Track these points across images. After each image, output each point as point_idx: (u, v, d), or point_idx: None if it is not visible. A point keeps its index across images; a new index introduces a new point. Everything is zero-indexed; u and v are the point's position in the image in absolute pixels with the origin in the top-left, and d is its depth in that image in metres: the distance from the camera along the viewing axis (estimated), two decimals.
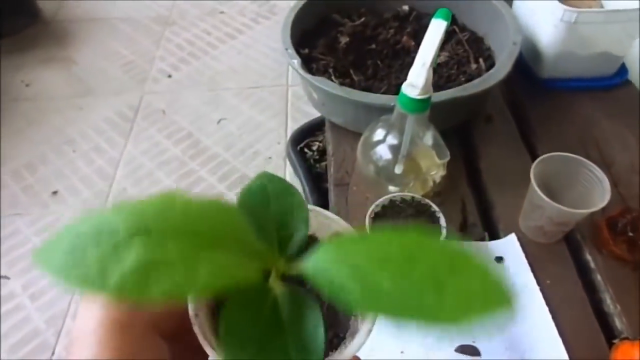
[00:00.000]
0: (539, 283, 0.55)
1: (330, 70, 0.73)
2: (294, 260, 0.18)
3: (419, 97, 0.52)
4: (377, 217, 0.53)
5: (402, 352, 0.51)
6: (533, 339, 0.51)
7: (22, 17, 2.08)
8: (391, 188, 0.62)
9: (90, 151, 1.63)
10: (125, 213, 0.15)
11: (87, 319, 0.20)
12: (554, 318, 0.52)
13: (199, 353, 0.23)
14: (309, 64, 0.74)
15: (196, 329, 0.20)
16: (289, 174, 1.50)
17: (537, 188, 0.53)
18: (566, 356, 0.49)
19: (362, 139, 0.63)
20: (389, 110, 0.61)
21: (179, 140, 1.66)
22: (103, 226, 0.15)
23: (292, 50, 0.71)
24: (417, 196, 0.54)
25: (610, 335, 0.53)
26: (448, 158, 0.60)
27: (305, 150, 1.14)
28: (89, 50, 2.00)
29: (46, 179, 1.55)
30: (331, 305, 0.24)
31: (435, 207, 0.53)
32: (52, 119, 1.74)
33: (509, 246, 0.59)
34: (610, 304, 0.55)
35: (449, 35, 0.80)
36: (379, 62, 0.78)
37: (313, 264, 0.16)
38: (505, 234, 0.61)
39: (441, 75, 0.74)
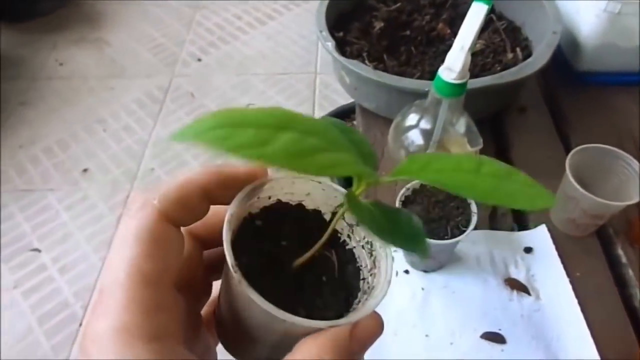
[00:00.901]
0: (568, 275, 0.55)
1: (364, 55, 0.73)
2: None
3: (455, 82, 0.52)
4: (407, 200, 0.53)
5: (426, 335, 0.51)
6: (560, 330, 0.50)
7: None
8: None
9: (120, 131, 1.67)
10: (263, 115, 0.18)
11: (116, 271, 0.20)
12: (582, 310, 0.52)
13: (200, 300, 0.26)
14: (343, 48, 0.74)
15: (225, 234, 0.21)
16: None
17: (572, 179, 0.52)
18: (594, 349, 0.49)
19: (394, 123, 0.63)
20: (422, 95, 0.61)
21: None
22: (249, 119, 0.17)
23: (326, 33, 0.71)
24: None
25: None
26: (480, 146, 0.60)
27: None
28: (121, 31, 2.04)
29: (77, 156, 1.59)
30: (343, 271, 0.25)
31: None
32: (84, 98, 1.78)
33: (539, 237, 0.58)
34: None
35: (485, 24, 0.78)
36: (412, 49, 0.77)
37: (402, 171, 0.21)
38: (535, 226, 0.60)
39: (476, 64, 0.73)
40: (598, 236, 0.59)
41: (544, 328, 0.51)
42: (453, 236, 0.50)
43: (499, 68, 0.71)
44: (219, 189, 0.22)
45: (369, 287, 0.24)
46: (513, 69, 0.64)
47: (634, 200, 0.51)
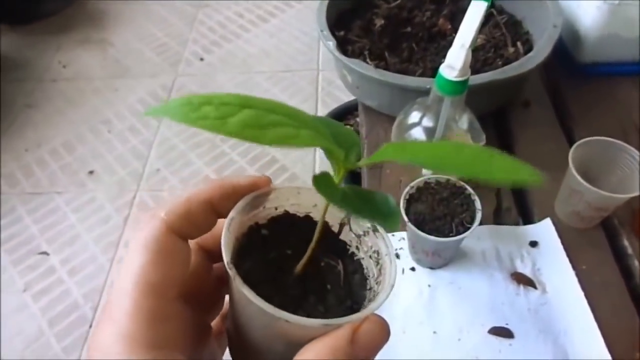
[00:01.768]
0: (574, 268, 0.55)
1: (366, 53, 0.73)
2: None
3: (456, 79, 0.52)
4: (411, 198, 0.54)
5: (434, 332, 0.51)
6: (567, 323, 0.51)
7: None
8: (424, 171, 0.63)
9: (125, 131, 1.68)
10: (229, 96, 0.19)
11: (123, 280, 0.21)
12: (589, 303, 0.52)
13: (210, 312, 0.27)
14: (344, 46, 0.74)
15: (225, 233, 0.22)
16: (319, 157, 1.51)
17: (575, 172, 0.53)
18: (601, 341, 0.49)
19: (397, 121, 0.64)
20: (424, 93, 0.61)
21: None
22: (213, 99, 0.19)
23: (327, 32, 0.72)
24: (452, 179, 0.54)
25: None
26: (483, 142, 0.60)
27: None
28: (124, 31, 2.04)
29: (83, 158, 1.60)
30: (349, 280, 0.25)
31: (470, 190, 0.53)
32: (89, 99, 1.79)
33: (544, 231, 0.59)
34: None
35: (486, 19, 0.78)
36: (414, 46, 0.77)
37: (380, 154, 0.21)
38: (540, 219, 0.60)
39: (477, 59, 0.73)
40: (603, 228, 0.59)
41: (551, 322, 0.51)
42: (458, 233, 0.51)
43: (500, 63, 0.71)
44: (223, 200, 0.23)
45: (374, 295, 0.24)
46: (514, 64, 0.64)
47: (638, 192, 0.51)
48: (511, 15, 0.80)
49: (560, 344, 0.50)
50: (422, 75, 0.71)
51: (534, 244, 0.58)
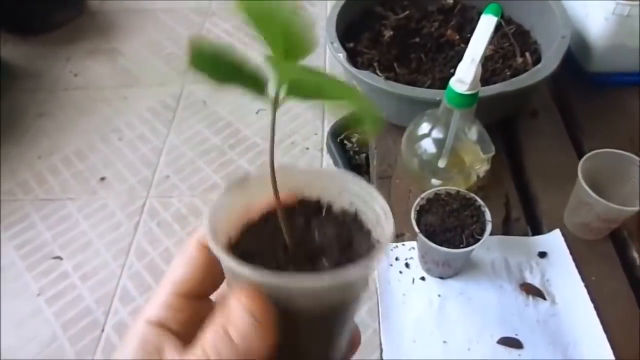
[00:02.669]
0: (583, 279, 0.55)
1: (375, 64, 0.74)
2: None
3: (466, 93, 0.53)
4: (421, 210, 0.55)
5: (444, 341, 0.52)
6: (577, 335, 0.51)
7: (69, 9, 2.16)
8: (434, 182, 0.63)
9: (135, 139, 1.70)
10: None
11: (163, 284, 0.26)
12: (598, 314, 0.52)
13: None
14: (354, 58, 0.75)
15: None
16: (326, 165, 1.52)
17: (584, 185, 0.53)
18: (611, 353, 0.50)
19: (406, 132, 0.65)
20: (433, 104, 0.62)
21: (218, 130, 1.70)
22: None
23: (337, 44, 0.73)
24: (462, 190, 0.55)
25: None
26: (493, 153, 0.61)
27: (345, 142, 1.15)
28: (133, 41, 2.07)
29: (94, 165, 1.62)
30: (350, 230, 0.26)
31: (480, 201, 0.54)
32: (99, 108, 1.81)
33: (553, 242, 0.59)
34: None
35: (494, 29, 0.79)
36: (422, 56, 0.78)
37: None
38: (549, 230, 0.61)
39: (486, 69, 0.73)
40: (612, 239, 0.60)
41: (561, 333, 0.52)
42: (468, 244, 0.51)
43: (508, 73, 0.72)
44: (199, 285, 0.27)
45: (371, 248, 0.24)
46: (523, 76, 0.64)
47: None
48: (519, 25, 0.81)
49: (569, 355, 0.50)
50: (430, 85, 0.72)
51: (543, 254, 0.58)
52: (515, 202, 0.65)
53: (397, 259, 0.59)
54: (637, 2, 0.68)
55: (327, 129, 1.43)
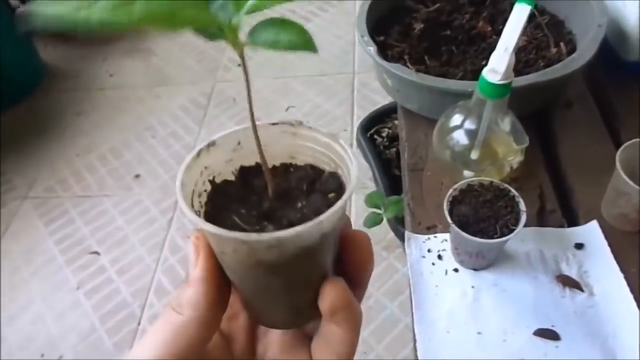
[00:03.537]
0: (622, 271, 0.54)
1: (405, 57, 0.74)
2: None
3: (499, 83, 0.52)
4: (454, 201, 0.55)
5: (479, 333, 0.52)
6: (616, 326, 0.50)
7: None
8: (466, 173, 0.63)
9: (168, 137, 1.74)
10: None
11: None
12: (639, 306, 0.51)
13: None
14: (384, 51, 0.75)
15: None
16: (356, 163, 1.52)
17: (623, 174, 0.52)
18: None
19: (438, 124, 0.64)
20: (465, 96, 0.61)
21: None
22: None
23: (368, 38, 0.73)
24: (496, 181, 0.55)
25: None
26: (526, 144, 0.60)
27: (375, 136, 1.16)
28: (166, 41, 2.12)
29: (129, 163, 1.67)
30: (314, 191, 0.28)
31: (514, 192, 0.53)
32: (134, 106, 1.86)
33: (590, 233, 0.58)
34: None
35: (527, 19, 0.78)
36: (453, 49, 0.78)
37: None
38: (586, 221, 0.60)
39: (519, 60, 0.72)
40: None
41: (599, 325, 0.51)
42: (502, 235, 0.51)
43: (542, 64, 0.71)
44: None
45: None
46: (557, 65, 0.63)
47: None
48: (553, 15, 0.79)
49: (608, 347, 0.49)
50: (462, 78, 0.72)
51: (579, 246, 0.58)
52: (550, 194, 0.64)
53: (429, 250, 0.60)
54: None
55: (356, 124, 1.43)
